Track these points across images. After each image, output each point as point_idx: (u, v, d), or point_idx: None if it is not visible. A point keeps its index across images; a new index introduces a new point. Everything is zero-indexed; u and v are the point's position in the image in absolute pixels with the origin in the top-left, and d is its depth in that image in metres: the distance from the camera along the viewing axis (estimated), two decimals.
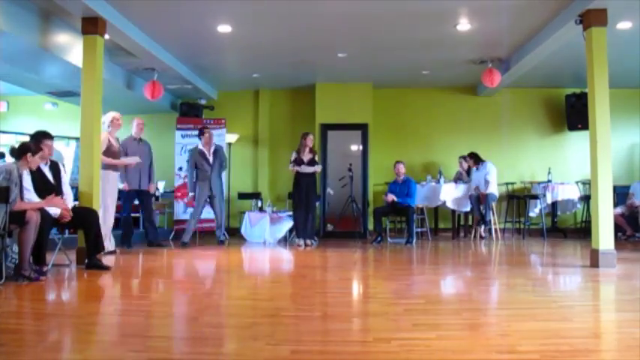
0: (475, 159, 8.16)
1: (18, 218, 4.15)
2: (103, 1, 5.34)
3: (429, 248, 7.18)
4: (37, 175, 4.63)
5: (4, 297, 3.64)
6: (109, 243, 6.08)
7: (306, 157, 7.36)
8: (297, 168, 7.31)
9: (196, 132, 8.83)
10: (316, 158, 7.49)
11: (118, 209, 8.04)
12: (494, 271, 5.16)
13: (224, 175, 8.35)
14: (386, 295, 4.02)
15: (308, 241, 7.30)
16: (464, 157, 8.61)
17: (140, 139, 7.05)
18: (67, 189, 4.97)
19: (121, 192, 6.78)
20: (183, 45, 7.03)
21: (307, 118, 9.25)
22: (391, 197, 7.71)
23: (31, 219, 4.17)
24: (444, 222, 9.10)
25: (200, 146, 7.48)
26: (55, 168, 4.92)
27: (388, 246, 7.43)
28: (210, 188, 7.38)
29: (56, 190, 4.81)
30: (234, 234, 8.69)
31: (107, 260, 5.37)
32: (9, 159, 7.20)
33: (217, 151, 7.55)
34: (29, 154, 4.43)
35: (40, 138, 4.76)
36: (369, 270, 5.47)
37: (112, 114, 6.36)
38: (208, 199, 7.46)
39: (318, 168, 7.47)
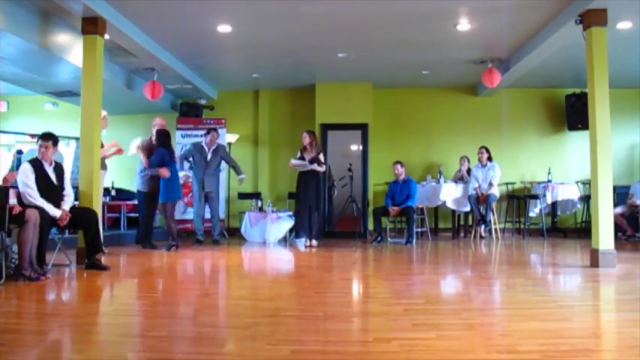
0: (489, 154, 8.21)
1: (17, 218, 4.15)
2: (103, 1, 5.34)
3: (429, 248, 7.18)
4: (40, 174, 4.65)
5: (4, 297, 3.65)
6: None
7: (308, 155, 7.32)
8: (292, 163, 7.31)
9: (196, 132, 8.92)
10: (321, 157, 7.33)
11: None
12: (494, 271, 5.16)
13: (224, 174, 8.38)
14: (386, 295, 4.02)
15: (314, 242, 7.25)
16: (466, 156, 8.63)
17: None
18: (68, 189, 4.97)
19: (137, 192, 7.11)
20: (183, 45, 7.03)
21: (307, 118, 9.25)
22: (395, 211, 7.70)
23: (30, 218, 4.18)
24: (444, 222, 9.10)
25: (203, 143, 7.61)
26: (59, 169, 4.93)
27: (388, 246, 7.43)
28: (202, 186, 7.44)
29: (58, 190, 4.82)
30: (234, 234, 8.69)
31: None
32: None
33: (217, 150, 7.60)
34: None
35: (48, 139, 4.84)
36: (369, 270, 5.47)
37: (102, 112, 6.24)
38: (205, 197, 7.54)
39: (317, 167, 7.26)
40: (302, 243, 7.39)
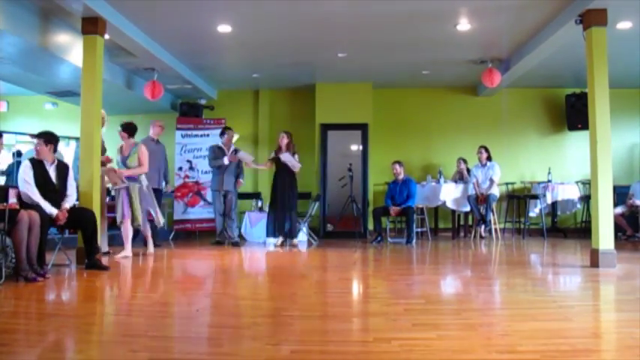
0: (488, 153, 8.22)
1: (9, 218, 4.12)
2: (103, 1, 5.34)
3: (429, 248, 7.18)
4: (40, 173, 4.65)
5: (4, 297, 3.64)
6: (104, 243, 6.08)
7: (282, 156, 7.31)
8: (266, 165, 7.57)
9: (196, 132, 8.92)
10: (296, 157, 7.34)
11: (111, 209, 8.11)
12: (494, 271, 5.16)
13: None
14: (386, 295, 4.02)
15: (295, 241, 7.29)
16: (462, 158, 8.63)
17: (158, 140, 7.26)
18: (71, 190, 4.98)
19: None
20: (183, 45, 7.03)
21: (307, 118, 9.25)
22: (395, 211, 7.70)
23: (22, 219, 4.15)
24: (444, 222, 9.10)
25: (220, 143, 7.66)
26: (62, 169, 4.92)
27: (388, 246, 7.43)
28: (222, 185, 7.48)
29: (57, 190, 4.82)
30: None
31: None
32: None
33: (236, 151, 7.65)
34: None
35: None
36: (369, 270, 5.47)
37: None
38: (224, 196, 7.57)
39: (296, 164, 7.29)
40: (273, 243, 7.36)
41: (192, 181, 8.83)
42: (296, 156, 7.40)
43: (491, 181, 8.02)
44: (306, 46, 7.11)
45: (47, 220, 4.51)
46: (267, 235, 7.46)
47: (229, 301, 3.84)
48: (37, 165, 4.69)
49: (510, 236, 8.65)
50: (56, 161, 4.89)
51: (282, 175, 7.33)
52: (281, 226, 7.28)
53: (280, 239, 7.30)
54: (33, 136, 4.91)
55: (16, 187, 4.66)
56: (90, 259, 4.88)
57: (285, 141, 7.36)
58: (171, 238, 8.49)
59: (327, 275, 5.02)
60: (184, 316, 3.29)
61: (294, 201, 7.40)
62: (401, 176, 7.92)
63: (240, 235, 7.89)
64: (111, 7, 5.49)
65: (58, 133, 5.03)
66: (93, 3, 5.11)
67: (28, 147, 8.26)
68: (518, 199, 8.81)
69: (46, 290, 3.94)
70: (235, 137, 9.00)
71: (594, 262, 5.04)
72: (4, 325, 2.84)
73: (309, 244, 7.53)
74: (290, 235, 7.30)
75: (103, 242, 6.00)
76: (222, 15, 5.98)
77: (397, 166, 7.93)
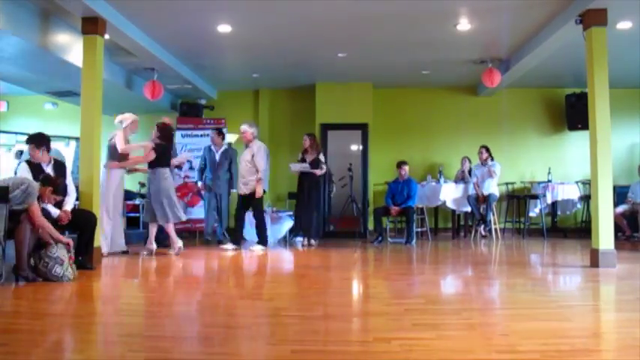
0: (489, 153, 8.22)
1: (12, 217, 4.12)
2: (103, 1, 5.33)
3: (429, 248, 7.18)
4: (37, 174, 4.63)
5: (4, 297, 3.65)
6: (122, 242, 6.20)
7: (309, 157, 7.40)
8: (293, 169, 7.42)
9: (196, 132, 8.94)
10: (321, 157, 7.42)
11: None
12: (494, 271, 5.16)
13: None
14: (386, 295, 4.02)
15: (312, 241, 7.33)
16: (467, 157, 8.61)
17: None
18: (70, 189, 4.97)
19: None
20: (183, 45, 7.03)
21: (307, 118, 9.25)
22: (396, 210, 7.73)
23: (23, 219, 4.14)
24: (444, 222, 9.10)
25: (211, 145, 7.74)
26: (60, 168, 4.91)
27: (388, 246, 7.44)
28: (211, 187, 7.56)
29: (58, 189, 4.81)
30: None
31: (120, 261, 5.50)
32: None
33: (227, 152, 7.71)
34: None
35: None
36: (369, 270, 5.47)
37: (132, 116, 6.25)
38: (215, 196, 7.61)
39: (317, 171, 7.29)
40: (300, 243, 7.48)
41: (193, 181, 8.81)
42: (321, 156, 7.47)
43: (490, 175, 8.00)
44: (306, 46, 7.11)
45: (48, 221, 4.49)
46: (295, 236, 7.67)
47: (229, 301, 3.84)
48: (35, 167, 4.68)
49: (510, 236, 8.65)
50: (53, 161, 4.87)
51: (308, 176, 7.37)
52: (304, 225, 7.38)
53: (305, 239, 7.39)
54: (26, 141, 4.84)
55: None
56: (76, 258, 4.85)
57: (307, 143, 7.45)
58: None
59: (327, 275, 5.02)
60: (184, 316, 3.29)
61: (315, 201, 7.39)
62: (404, 177, 7.94)
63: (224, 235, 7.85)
64: (111, 7, 5.49)
65: (58, 133, 5.03)
66: (93, 3, 5.11)
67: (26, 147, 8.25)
68: (518, 199, 8.81)
69: (45, 290, 3.93)
70: (234, 137, 9.01)
71: (594, 262, 5.04)
72: (4, 325, 2.84)
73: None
74: (308, 234, 7.35)
75: (119, 241, 6.13)
76: (222, 15, 5.98)
77: (406, 167, 7.94)
